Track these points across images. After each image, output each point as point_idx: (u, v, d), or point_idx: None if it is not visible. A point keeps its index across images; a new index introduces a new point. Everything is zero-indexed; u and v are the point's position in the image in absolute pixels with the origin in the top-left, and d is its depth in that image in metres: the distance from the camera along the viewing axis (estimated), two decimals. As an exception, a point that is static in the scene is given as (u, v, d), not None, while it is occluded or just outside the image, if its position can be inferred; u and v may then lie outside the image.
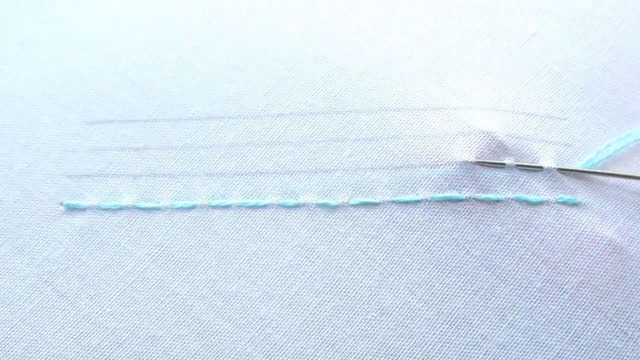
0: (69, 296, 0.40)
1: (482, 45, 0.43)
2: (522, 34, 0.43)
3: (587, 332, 0.38)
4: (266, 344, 0.39)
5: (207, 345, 0.39)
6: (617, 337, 0.38)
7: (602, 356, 0.38)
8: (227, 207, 0.41)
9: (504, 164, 0.40)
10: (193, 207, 0.41)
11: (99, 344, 0.39)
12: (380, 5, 0.44)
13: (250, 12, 0.45)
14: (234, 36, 0.44)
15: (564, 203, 0.40)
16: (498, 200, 0.40)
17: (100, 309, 0.40)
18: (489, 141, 0.41)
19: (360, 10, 0.44)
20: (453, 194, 0.40)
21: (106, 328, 0.39)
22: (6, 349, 0.39)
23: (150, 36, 0.45)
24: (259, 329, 0.39)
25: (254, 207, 0.41)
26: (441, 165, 0.40)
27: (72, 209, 0.42)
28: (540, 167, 0.40)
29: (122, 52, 0.44)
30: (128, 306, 0.40)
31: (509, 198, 0.40)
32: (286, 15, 0.44)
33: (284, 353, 0.39)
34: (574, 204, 0.40)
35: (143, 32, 0.45)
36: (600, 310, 0.38)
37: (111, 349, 0.39)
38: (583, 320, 0.38)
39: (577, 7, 0.44)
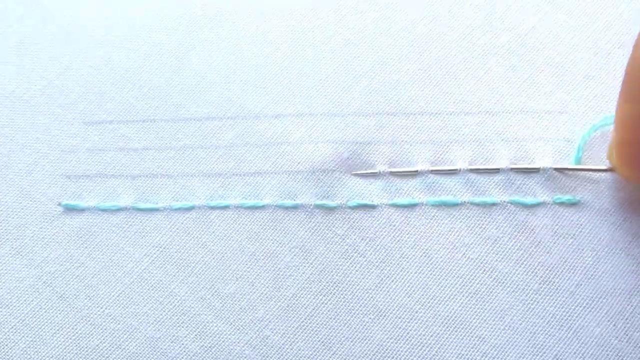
0: (67, 297, 0.40)
1: (481, 41, 0.43)
2: (522, 27, 0.43)
3: (586, 333, 0.38)
4: (264, 345, 0.39)
5: (205, 347, 0.39)
6: (617, 337, 0.38)
7: (602, 357, 0.38)
8: (225, 207, 0.41)
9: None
10: (191, 208, 0.41)
11: (97, 345, 0.39)
12: (378, 5, 0.44)
13: (248, 14, 0.44)
14: (232, 37, 0.44)
15: (562, 203, 0.39)
16: (494, 204, 0.40)
17: (98, 310, 0.40)
18: (482, 148, 0.41)
19: (358, 11, 0.44)
20: (449, 198, 0.40)
21: (105, 329, 0.40)
22: (5, 350, 0.40)
23: (149, 37, 0.45)
24: (257, 331, 0.39)
25: (252, 207, 0.41)
26: (435, 171, 0.41)
27: (70, 209, 0.42)
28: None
29: (121, 52, 0.44)
30: (126, 307, 0.40)
31: (504, 201, 0.40)
32: (284, 17, 0.44)
33: (282, 355, 0.39)
34: (573, 204, 0.39)
35: (142, 33, 0.45)
36: (599, 310, 0.38)
37: (110, 350, 0.39)
38: (582, 321, 0.38)
39: None
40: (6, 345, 0.40)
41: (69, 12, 0.46)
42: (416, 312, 0.39)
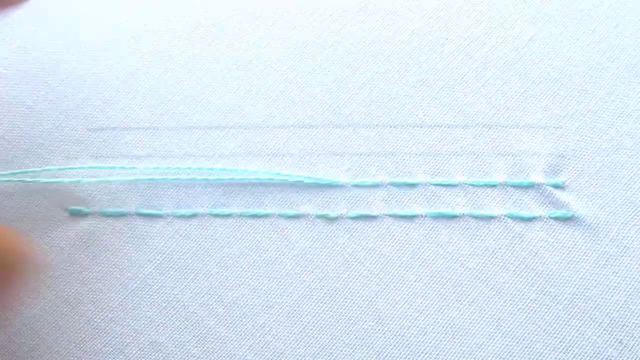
0: (71, 301, 0.40)
1: (479, 54, 0.43)
2: (519, 40, 0.43)
3: (582, 342, 0.38)
4: (266, 351, 0.39)
5: (208, 352, 0.39)
6: (612, 346, 0.38)
7: None
8: (228, 215, 0.41)
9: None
10: (194, 215, 0.41)
11: (100, 349, 0.40)
12: (378, 16, 0.44)
13: (251, 24, 0.45)
14: (235, 47, 0.44)
15: (557, 218, 0.40)
16: (491, 217, 0.40)
17: (102, 314, 0.40)
18: (480, 161, 0.41)
19: (359, 21, 0.44)
20: (447, 210, 0.40)
21: (108, 333, 0.40)
22: (9, 354, 0.40)
23: (153, 44, 0.45)
24: (259, 337, 0.39)
25: (254, 216, 0.41)
26: (434, 183, 0.41)
27: (75, 214, 0.42)
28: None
29: (124, 59, 0.44)
30: (130, 312, 0.40)
31: (502, 215, 0.40)
32: (286, 27, 0.44)
33: (283, 360, 0.39)
34: (567, 218, 0.40)
35: (146, 40, 0.45)
36: (594, 321, 0.38)
37: (113, 354, 0.40)
38: (577, 330, 0.38)
39: (576, 8, 0.43)
40: (9, 348, 0.40)
41: (72, 18, 0.46)
42: (415, 320, 0.39)
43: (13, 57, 0.45)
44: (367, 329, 0.39)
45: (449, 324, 0.39)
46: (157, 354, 0.40)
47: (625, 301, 0.38)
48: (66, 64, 0.45)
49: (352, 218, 0.41)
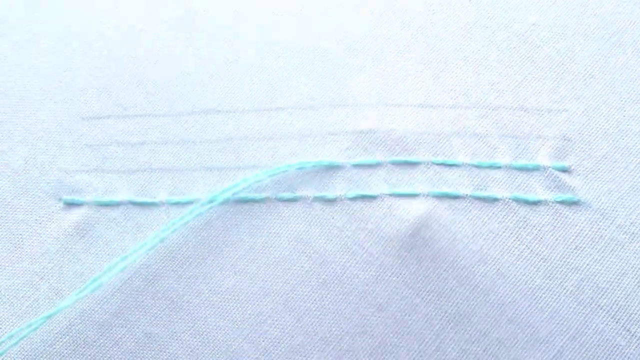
0: (65, 293, 0.40)
1: (481, 36, 0.43)
2: (522, 23, 0.43)
3: (589, 330, 0.38)
4: (263, 340, 0.39)
5: (204, 342, 0.39)
6: (620, 334, 0.38)
7: (605, 353, 0.38)
8: (224, 201, 0.41)
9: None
10: (190, 202, 0.41)
11: (94, 341, 0.39)
12: (379, -2, 0.44)
13: (248, 6, 0.45)
14: (231, 29, 0.44)
15: (562, 202, 0.39)
16: (495, 199, 0.40)
17: (96, 306, 0.40)
18: (483, 142, 0.41)
19: (360, 3, 0.44)
20: (450, 190, 0.40)
21: (102, 325, 0.39)
22: (2, 346, 0.39)
23: (147, 30, 0.45)
24: (255, 325, 0.39)
25: (251, 200, 0.41)
26: (436, 163, 0.41)
27: (68, 204, 0.42)
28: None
29: (118, 47, 0.44)
30: (124, 302, 0.40)
31: (506, 197, 0.40)
32: (285, 8, 0.44)
33: (281, 349, 0.39)
34: (573, 203, 0.39)
35: (139, 26, 0.45)
36: (602, 308, 0.38)
37: (108, 346, 0.39)
38: (584, 318, 0.38)
39: None
40: (3, 340, 0.39)
41: (67, 7, 0.46)
42: (417, 305, 0.39)
43: (7, 48, 0.45)
44: (366, 315, 0.39)
45: (452, 309, 0.38)
46: (151, 345, 0.39)
47: (633, 288, 0.38)
48: (60, 52, 0.45)
49: (351, 199, 0.40)
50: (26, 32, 0.45)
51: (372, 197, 0.40)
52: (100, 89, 0.43)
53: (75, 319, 0.40)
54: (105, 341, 0.39)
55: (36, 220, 0.41)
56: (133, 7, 0.45)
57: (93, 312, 0.40)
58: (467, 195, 0.40)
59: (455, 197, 0.40)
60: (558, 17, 0.43)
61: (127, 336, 0.39)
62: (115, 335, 0.39)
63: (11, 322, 0.40)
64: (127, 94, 0.43)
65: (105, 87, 0.43)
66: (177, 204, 0.41)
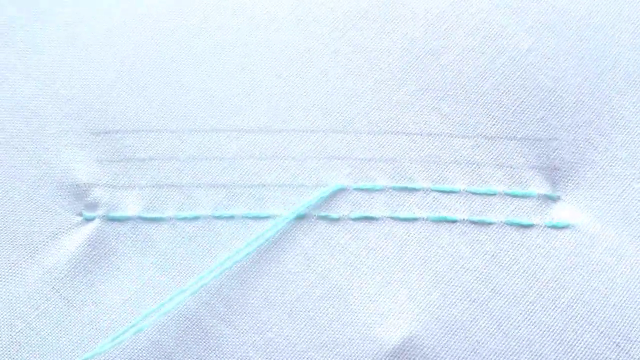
0: (75, 303, 0.41)
1: (478, 63, 0.43)
2: (516, 50, 0.43)
3: (580, 344, 0.38)
4: (267, 347, 0.39)
5: (210, 350, 0.39)
6: (610, 348, 0.38)
7: None
8: (230, 217, 0.41)
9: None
10: (197, 218, 0.41)
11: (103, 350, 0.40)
12: (379, 23, 0.44)
13: (252, 27, 0.45)
14: (237, 50, 0.44)
15: (553, 227, 0.40)
16: (491, 223, 0.41)
17: (105, 316, 0.40)
18: (479, 170, 0.41)
19: (359, 28, 0.44)
20: (448, 215, 0.41)
21: (110, 334, 0.40)
22: (11, 353, 0.40)
23: (156, 48, 0.44)
24: (260, 333, 0.39)
25: (256, 217, 0.41)
26: (435, 189, 0.41)
27: (82, 218, 0.42)
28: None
29: (127, 63, 0.44)
30: (132, 313, 0.40)
31: (501, 222, 0.41)
32: (289, 33, 0.44)
33: (285, 357, 0.39)
34: (564, 227, 0.40)
35: (149, 44, 0.45)
36: (592, 324, 0.39)
37: (115, 354, 0.40)
38: (576, 333, 0.39)
39: (573, 17, 0.43)
40: (12, 348, 0.40)
41: (75, 22, 0.45)
42: (417, 316, 0.39)
43: (16, 60, 0.45)
44: (369, 324, 0.39)
45: (451, 320, 0.39)
46: (159, 354, 0.40)
47: (621, 306, 0.39)
48: (69, 67, 0.44)
49: (353, 219, 0.41)
50: (31, 43, 0.45)
51: (374, 219, 0.41)
52: (108, 103, 0.43)
53: (85, 327, 0.40)
54: (114, 350, 0.40)
55: (50, 233, 0.42)
56: (141, 22, 0.45)
57: (102, 322, 0.40)
58: (464, 219, 0.41)
59: (453, 221, 0.41)
60: (552, 43, 0.43)
61: (134, 344, 0.40)
62: (122, 344, 0.40)
63: (21, 330, 0.40)
64: (134, 109, 0.43)
65: (113, 102, 0.43)
66: (184, 219, 0.41)
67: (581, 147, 0.41)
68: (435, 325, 0.39)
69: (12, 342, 0.40)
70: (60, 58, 0.45)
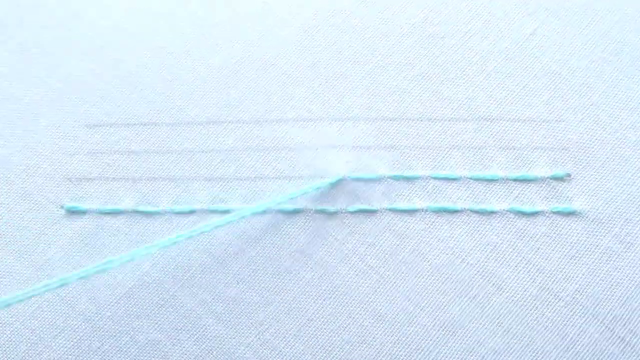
0: (69, 300, 0.40)
1: (480, 47, 0.43)
2: (520, 33, 0.43)
3: (584, 339, 0.38)
4: (264, 348, 0.39)
5: (206, 350, 0.39)
6: (614, 343, 0.38)
7: None
8: (226, 211, 0.41)
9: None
10: (192, 212, 0.41)
11: (98, 347, 0.39)
12: (379, 10, 0.44)
13: (249, 19, 0.45)
14: (233, 42, 0.44)
15: (559, 212, 0.40)
16: (493, 212, 0.40)
17: (100, 313, 0.40)
18: (481, 154, 0.41)
19: (358, 16, 0.44)
20: (448, 205, 0.40)
21: (106, 331, 0.40)
22: (7, 352, 0.40)
23: (151, 41, 0.45)
24: (257, 334, 0.39)
25: (253, 211, 0.41)
26: (435, 177, 0.41)
27: (72, 212, 0.42)
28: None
29: (122, 56, 0.44)
30: (128, 310, 0.40)
31: (503, 210, 0.40)
32: (284, 22, 0.44)
33: (282, 358, 0.39)
34: (570, 213, 0.40)
35: (143, 37, 0.45)
36: (596, 317, 0.38)
37: (111, 352, 0.39)
38: (579, 327, 0.38)
39: (577, 2, 0.43)
40: (8, 347, 0.40)
41: (70, 16, 0.46)
42: (415, 316, 0.39)
43: (11, 55, 0.45)
44: (366, 325, 0.39)
45: (449, 320, 0.39)
46: (155, 352, 0.39)
47: (627, 298, 0.38)
48: (64, 60, 0.45)
49: (351, 212, 0.41)
50: (25, 37, 0.45)
51: (372, 212, 0.41)
52: (102, 96, 0.43)
53: (79, 325, 0.40)
54: (109, 348, 0.39)
55: (39, 227, 0.42)
56: (138, 18, 0.45)
57: (97, 319, 0.40)
58: (465, 209, 0.40)
59: (453, 212, 0.40)
60: (556, 27, 0.43)
61: (130, 343, 0.39)
62: (119, 342, 0.39)
63: (16, 328, 0.40)
64: (129, 102, 0.43)
65: (108, 94, 0.43)
66: (179, 213, 0.41)
67: (590, 128, 0.41)
68: (433, 325, 0.39)
69: (8, 341, 0.40)
70: (56, 53, 0.45)
